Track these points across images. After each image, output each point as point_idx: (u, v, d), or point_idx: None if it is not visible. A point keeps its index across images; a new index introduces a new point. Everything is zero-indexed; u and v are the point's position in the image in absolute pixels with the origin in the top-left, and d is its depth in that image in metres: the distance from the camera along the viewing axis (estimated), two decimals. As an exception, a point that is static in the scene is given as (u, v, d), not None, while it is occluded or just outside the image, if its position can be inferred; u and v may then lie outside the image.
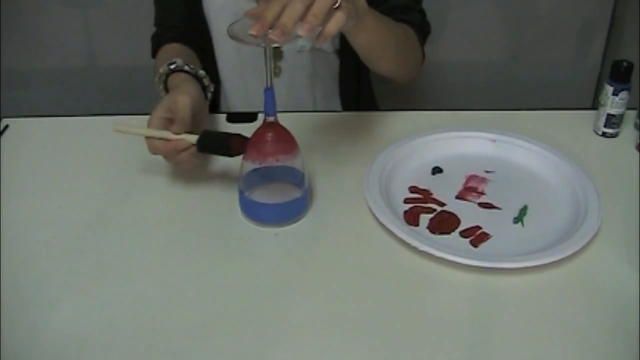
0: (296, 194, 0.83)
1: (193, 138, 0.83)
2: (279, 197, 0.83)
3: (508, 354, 0.67)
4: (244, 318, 0.71)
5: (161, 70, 0.94)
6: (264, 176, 0.83)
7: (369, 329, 0.69)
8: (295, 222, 0.84)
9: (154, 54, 1.12)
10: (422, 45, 1.04)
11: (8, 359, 0.66)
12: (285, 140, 0.81)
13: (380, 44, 0.89)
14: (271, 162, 0.81)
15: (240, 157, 0.82)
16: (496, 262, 0.75)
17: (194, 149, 0.84)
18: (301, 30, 0.69)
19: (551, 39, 1.70)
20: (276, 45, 0.71)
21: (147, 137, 0.84)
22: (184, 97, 0.85)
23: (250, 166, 0.82)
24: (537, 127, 1.01)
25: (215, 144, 0.84)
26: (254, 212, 0.84)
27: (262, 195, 0.83)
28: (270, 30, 0.69)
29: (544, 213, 0.85)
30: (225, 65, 1.15)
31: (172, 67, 0.94)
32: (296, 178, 0.83)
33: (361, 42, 0.86)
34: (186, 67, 0.94)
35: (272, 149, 0.81)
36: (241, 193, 0.83)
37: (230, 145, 0.83)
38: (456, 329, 0.69)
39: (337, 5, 0.71)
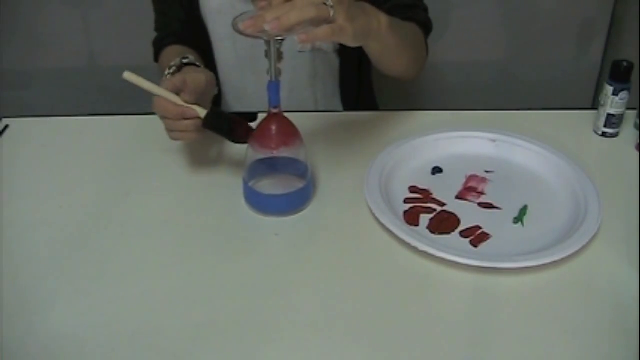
0: (299, 185, 0.84)
1: (202, 112, 0.83)
2: (283, 188, 0.84)
3: (508, 354, 0.67)
4: (244, 318, 0.71)
5: (173, 62, 0.93)
6: (267, 167, 0.84)
7: (369, 329, 0.69)
8: (298, 212, 0.84)
9: (157, 58, 1.12)
10: (426, 42, 1.05)
11: (8, 359, 0.66)
12: (289, 132, 0.82)
13: (394, 51, 0.91)
14: (275, 153, 0.82)
15: (244, 148, 0.83)
16: (496, 262, 0.75)
17: (199, 122, 0.83)
18: (268, 26, 0.70)
19: (551, 39, 1.70)
20: (280, 38, 0.72)
21: (156, 96, 0.83)
22: (200, 75, 0.87)
23: (254, 157, 0.83)
24: (537, 127, 1.01)
25: (220, 124, 0.84)
26: (258, 202, 0.84)
27: (266, 186, 0.84)
28: (267, 24, 0.70)
29: (544, 213, 0.85)
30: (224, 67, 1.16)
31: (185, 61, 0.94)
32: (299, 169, 0.84)
33: (376, 51, 0.88)
34: (197, 63, 0.95)
35: (276, 140, 0.82)
36: (245, 183, 0.84)
37: (234, 130, 0.84)
38: (456, 329, 0.69)
39: (331, 15, 0.72)
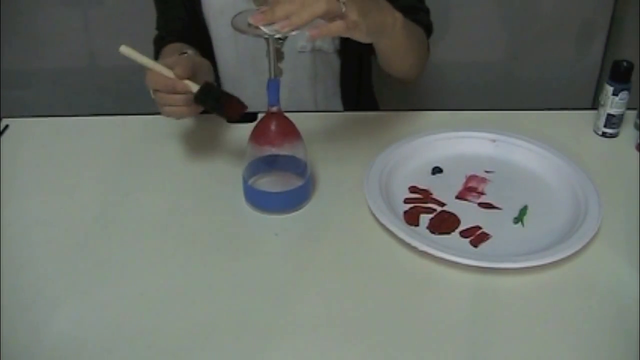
0: (298, 182, 0.84)
1: (194, 87, 0.82)
2: (282, 186, 0.84)
3: (508, 354, 0.67)
4: (244, 318, 0.71)
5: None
6: (267, 165, 0.84)
7: (369, 329, 0.69)
8: (297, 210, 0.85)
9: (157, 57, 1.12)
10: (427, 44, 1.05)
11: (8, 359, 0.66)
12: (288, 130, 0.83)
13: (403, 50, 0.91)
14: (274, 150, 0.83)
15: (244, 147, 0.83)
16: (496, 262, 0.75)
17: (190, 96, 0.82)
18: (279, 25, 0.71)
19: (551, 39, 1.70)
20: (279, 36, 0.73)
21: (149, 70, 0.83)
22: (194, 57, 0.89)
23: (253, 155, 0.83)
24: (537, 127, 1.01)
25: (212, 100, 0.82)
26: (257, 200, 0.85)
27: (265, 184, 0.85)
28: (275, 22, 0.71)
29: (544, 213, 0.85)
30: (225, 67, 1.16)
31: (184, 55, 0.93)
32: (298, 167, 0.84)
33: (387, 48, 0.89)
34: (197, 57, 0.94)
35: (275, 138, 0.82)
36: (245, 181, 0.85)
37: (226, 107, 0.82)
38: (456, 329, 0.69)
39: (343, 10, 0.72)
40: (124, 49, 0.81)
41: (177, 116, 0.87)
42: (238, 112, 0.83)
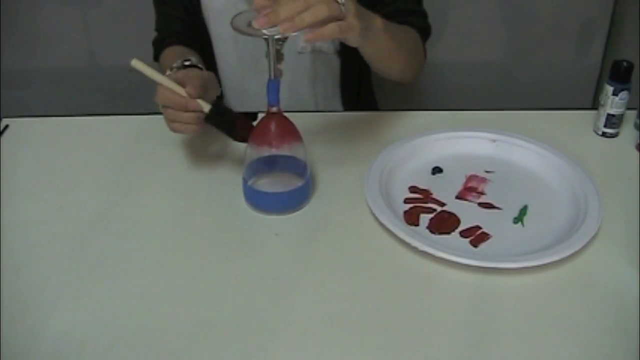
0: (298, 183, 0.84)
1: (205, 106, 0.83)
2: (282, 186, 0.84)
3: (508, 354, 0.67)
4: (244, 318, 0.71)
5: (175, 64, 0.93)
6: (267, 165, 0.84)
7: (369, 329, 0.69)
8: (297, 211, 0.85)
9: (156, 58, 1.12)
10: (424, 46, 1.05)
11: (8, 359, 0.66)
12: (288, 130, 0.83)
13: (389, 54, 0.91)
14: (274, 151, 0.83)
15: (244, 147, 0.83)
16: (496, 262, 0.75)
17: (201, 115, 0.83)
18: (281, 27, 0.71)
19: (551, 39, 1.70)
20: (278, 36, 0.73)
21: (160, 86, 0.83)
22: (202, 72, 0.89)
23: (253, 155, 0.83)
24: (537, 127, 1.01)
25: (223, 121, 0.84)
26: (257, 200, 0.85)
27: (265, 185, 0.85)
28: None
29: (544, 213, 0.85)
30: (225, 67, 1.16)
31: (187, 63, 0.93)
32: (298, 167, 0.84)
33: (372, 54, 0.89)
34: (200, 65, 0.94)
35: (275, 138, 0.82)
36: (244, 182, 0.85)
37: (236, 129, 0.84)
38: (456, 329, 0.69)
39: (343, 11, 0.73)
40: (135, 63, 0.81)
41: (186, 133, 0.87)
42: (247, 135, 0.83)
